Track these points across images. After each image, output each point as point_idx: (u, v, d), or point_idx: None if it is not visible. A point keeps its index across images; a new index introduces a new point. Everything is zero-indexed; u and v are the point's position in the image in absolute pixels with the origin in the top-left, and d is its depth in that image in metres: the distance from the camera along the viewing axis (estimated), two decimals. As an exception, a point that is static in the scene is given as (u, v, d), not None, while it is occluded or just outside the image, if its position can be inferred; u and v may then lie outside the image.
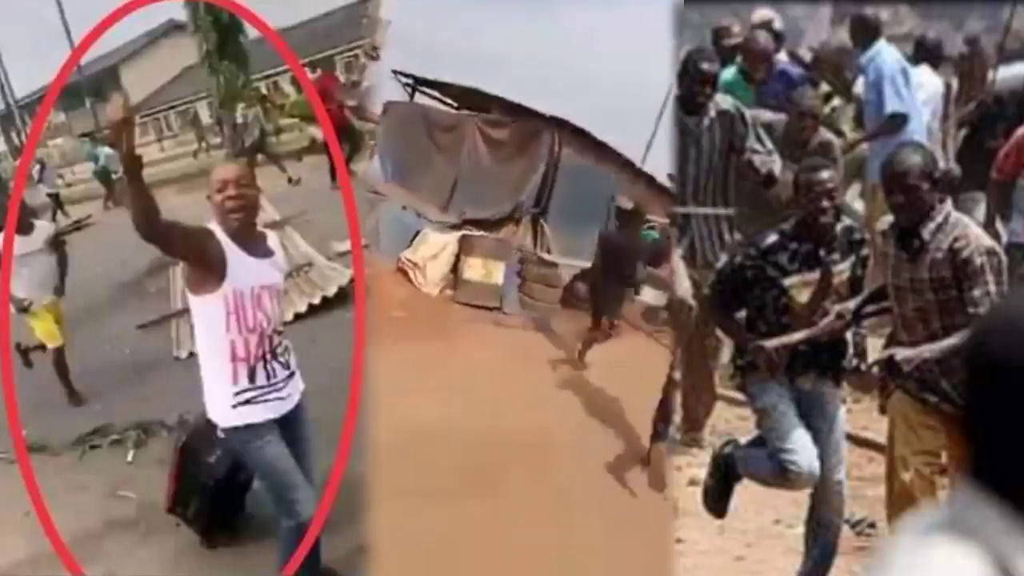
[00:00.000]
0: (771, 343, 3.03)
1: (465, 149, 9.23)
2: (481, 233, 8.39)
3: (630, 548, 3.80)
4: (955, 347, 2.71)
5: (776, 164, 4.45)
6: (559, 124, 8.83)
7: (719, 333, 4.14)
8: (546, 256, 8.53)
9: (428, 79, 10.41)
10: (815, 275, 3.07)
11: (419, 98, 10.61)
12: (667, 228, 7.75)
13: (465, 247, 8.17)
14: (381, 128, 10.34)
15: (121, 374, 6.57)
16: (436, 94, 10.64)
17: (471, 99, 9.86)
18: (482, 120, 9.38)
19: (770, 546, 3.64)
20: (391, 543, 3.53)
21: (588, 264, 8.40)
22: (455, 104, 10.50)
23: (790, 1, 7.10)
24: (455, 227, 8.47)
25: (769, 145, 4.47)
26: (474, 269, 8.06)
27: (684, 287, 4.46)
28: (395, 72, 10.38)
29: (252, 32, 15.22)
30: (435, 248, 8.14)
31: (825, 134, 4.84)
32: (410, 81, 10.43)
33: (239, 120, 13.58)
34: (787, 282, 3.07)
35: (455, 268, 8.10)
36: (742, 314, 3.20)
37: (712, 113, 4.36)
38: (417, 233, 8.39)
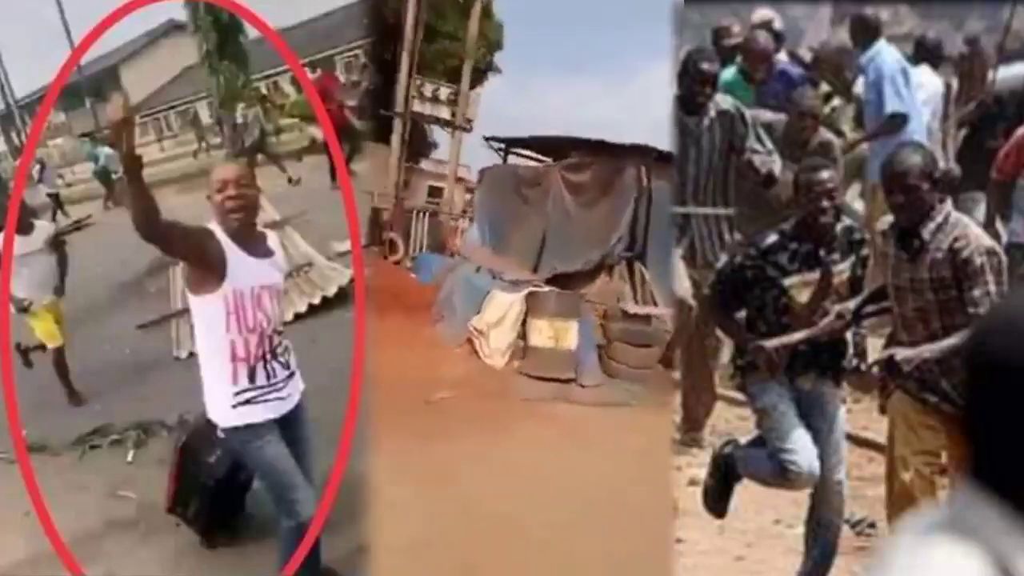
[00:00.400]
0: (771, 343, 3.03)
1: (550, 200, 8.70)
2: (549, 288, 7.33)
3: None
4: (955, 347, 2.71)
5: (776, 164, 4.46)
6: (643, 153, 8.05)
7: (719, 333, 4.14)
8: (632, 308, 7.28)
9: (518, 138, 10.31)
10: (815, 275, 3.07)
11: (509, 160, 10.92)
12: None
13: (532, 307, 6.98)
14: (477, 194, 10.19)
15: (121, 374, 6.57)
16: (527, 152, 10.70)
17: (556, 148, 9.65)
18: (563, 166, 8.90)
19: (770, 546, 3.64)
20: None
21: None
22: (545, 158, 10.39)
23: (790, 1, 7.09)
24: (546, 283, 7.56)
25: (769, 145, 4.48)
26: (541, 333, 6.81)
27: (684, 287, 4.46)
28: (486, 138, 10.47)
29: (252, 32, 15.21)
30: (500, 311, 7.09)
31: (825, 134, 4.84)
32: (502, 145, 10.53)
33: (239, 120, 13.57)
34: (787, 282, 3.07)
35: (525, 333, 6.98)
36: (742, 314, 3.20)
37: (712, 113, 4.37)
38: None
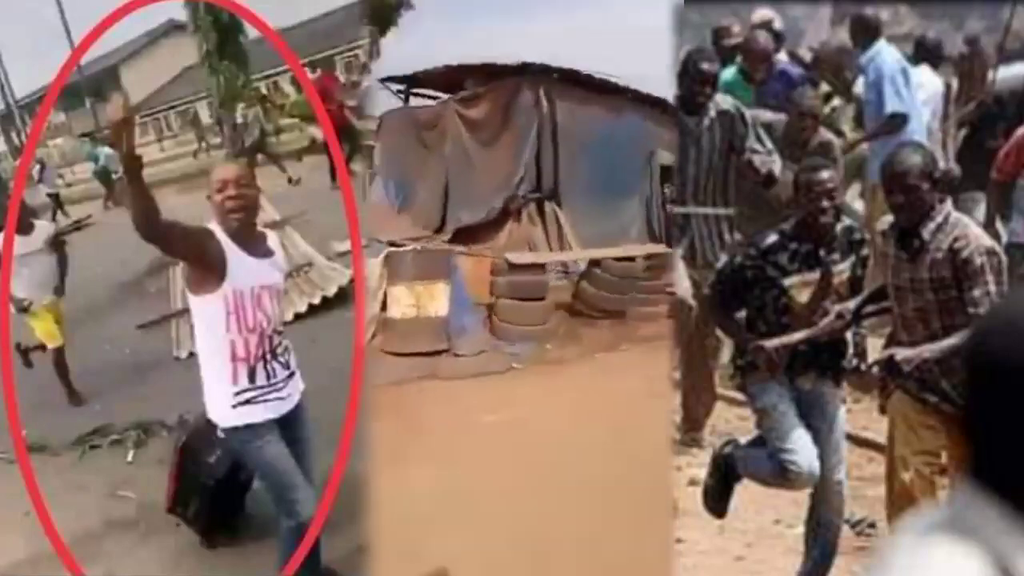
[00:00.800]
0: (771, 343, 3.03)
1: (449, 141, 7.48)
2: (414, 247, 6.11)
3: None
4: (955, 347, 2.71)
5: (776, 164, 4.46)
6: (539, 73, 6.88)
7: (719, 333, 4.14)
8: (516, 258, 6.08)
9: (413, 75, 8.50)
10: (815, 275, 3.07)
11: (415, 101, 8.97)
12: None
13: (390, 272, 5.72)
14: (378, 144, 8.65)
15: (121, 374, 6.58)
16: (428, 92, 8.90)
17: (451, 81, 8.13)
18: (457, 100, 7.62)
19: (770, 546, 3.63)
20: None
21: (601, 253, 5.97)
22: (443, 95, 8.65)
23: (790, 1, 7.09)
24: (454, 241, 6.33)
25: (769, 145, 4.48)
26: (400, 303, 5.60)
27: (684, 287, 4.46)
28: (383, 80, 8.84)
29: (252, 32, 15.23)
30: (357, 281, 5.91)
31: (825, 134, 4.84)
32: (401, 87, 8.87)
33: (239, 120, 13.59)
34: (787, 282, 3.07)
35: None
36: (742, 314, 3.20)
37: (712, 113, 4.37)
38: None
